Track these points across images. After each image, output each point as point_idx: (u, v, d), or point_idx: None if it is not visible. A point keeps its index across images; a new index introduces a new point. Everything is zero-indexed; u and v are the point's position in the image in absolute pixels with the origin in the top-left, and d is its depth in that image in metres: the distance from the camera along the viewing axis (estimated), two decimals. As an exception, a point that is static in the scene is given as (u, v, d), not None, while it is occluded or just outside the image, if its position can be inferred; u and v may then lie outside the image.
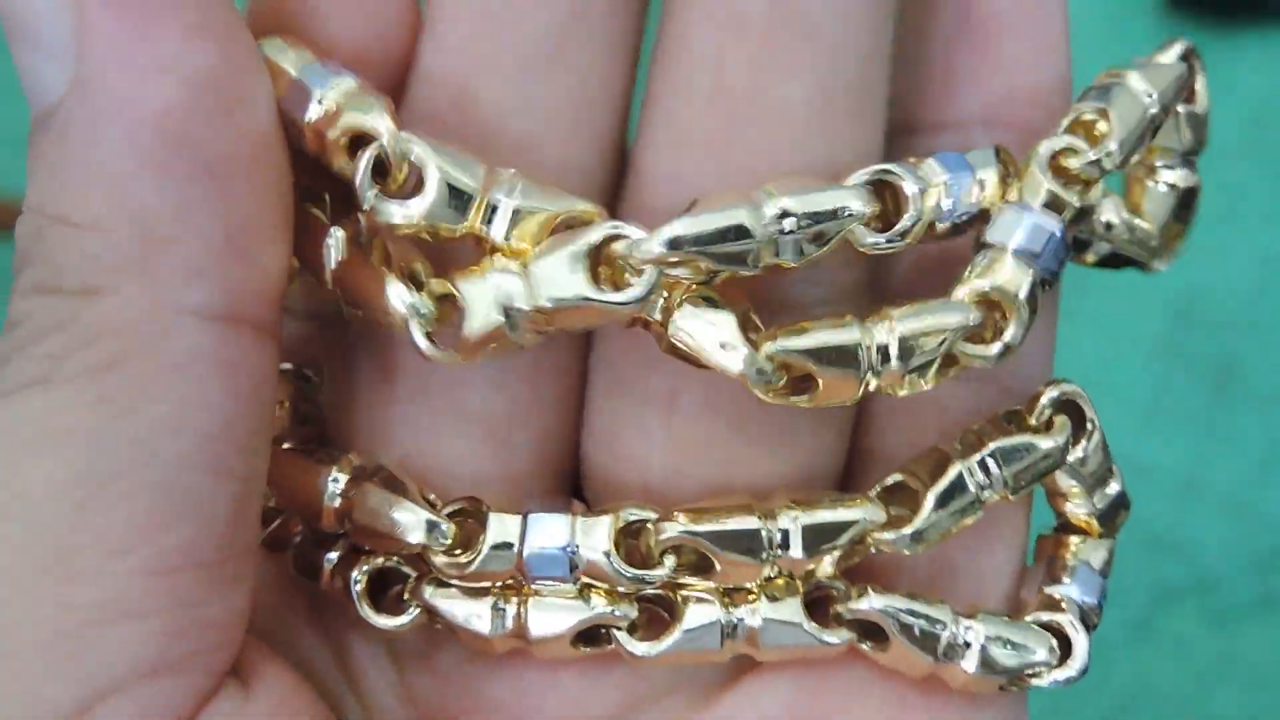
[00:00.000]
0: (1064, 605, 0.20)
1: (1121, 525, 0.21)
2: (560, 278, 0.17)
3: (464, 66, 0.18)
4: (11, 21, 0.16)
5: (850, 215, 0.17)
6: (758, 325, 0.18)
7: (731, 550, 0.18)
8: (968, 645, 0.19)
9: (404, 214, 0.17)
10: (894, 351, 0.18)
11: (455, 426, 0.19)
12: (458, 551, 0.18)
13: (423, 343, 0.17)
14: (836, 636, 0.19)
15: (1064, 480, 0.20)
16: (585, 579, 0.18)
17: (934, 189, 0.18)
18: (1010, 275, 0.18)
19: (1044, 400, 0.19)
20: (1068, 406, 0.20)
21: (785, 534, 0.18)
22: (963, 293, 0.18)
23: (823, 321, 0.18)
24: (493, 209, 0.17)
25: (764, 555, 0.18)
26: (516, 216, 0.17)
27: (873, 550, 0.19)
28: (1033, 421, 0.19)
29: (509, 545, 0.18)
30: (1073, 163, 0.18)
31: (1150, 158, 0.21)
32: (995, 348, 0.18)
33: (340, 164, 0.17)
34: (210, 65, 0.16)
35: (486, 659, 0.19)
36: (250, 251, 0.17)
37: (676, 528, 0.18)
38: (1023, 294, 0.18)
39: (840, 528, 0.18)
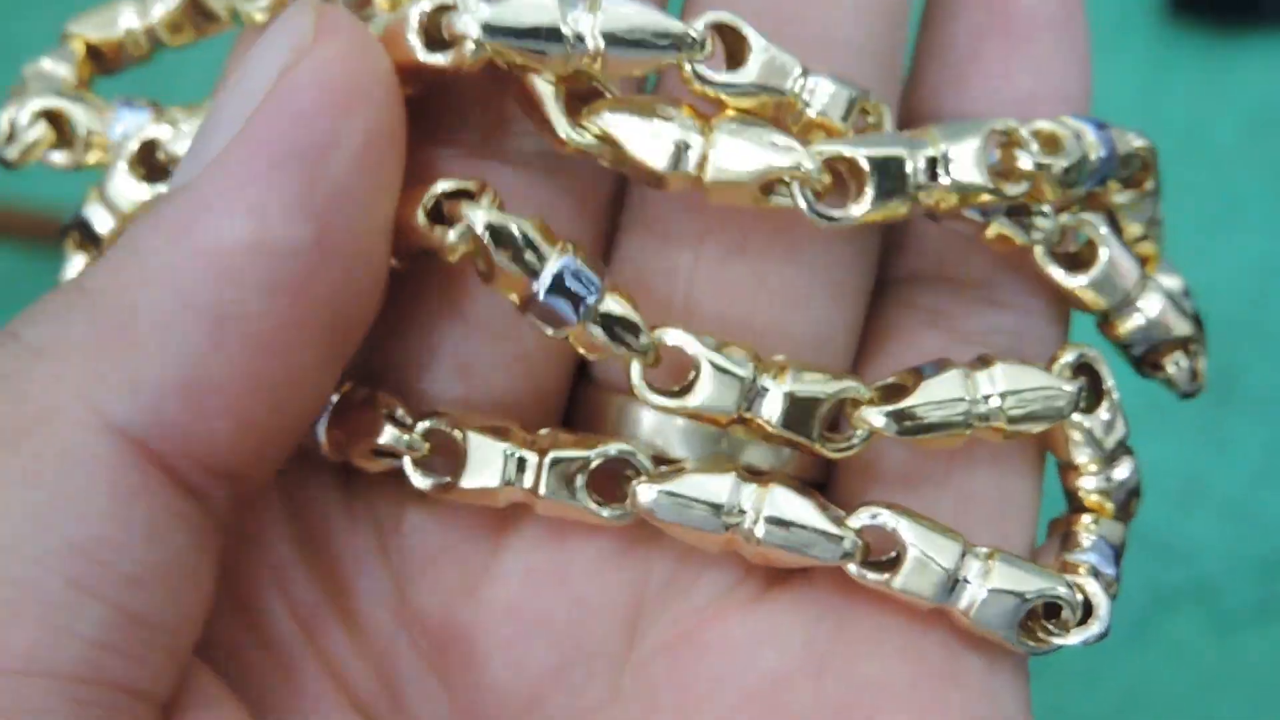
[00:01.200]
0: (1082, 570, 0.19)
1: (1134, 513, 0.20)
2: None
3: None
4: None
5: (668, 41, 0.18)
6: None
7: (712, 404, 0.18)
8: (977, 578, 0.18)
9: None
10: (939, 167, 0.18)
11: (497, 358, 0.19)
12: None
13: None
14: (610, 510, 0.19)
15: (1078, 451, 0.19)
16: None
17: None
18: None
19: (1062, 360, 0.19)
20: (1086, 371, 0.20)
21: (765, 390, 0.18)
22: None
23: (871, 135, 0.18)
24: None
25: (739, 408, 0.18)
26: None
27: (858, 435, 0.19)
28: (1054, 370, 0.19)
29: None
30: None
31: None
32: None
33: None
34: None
35: (490, 568, 0.19)
36: (206, 411, 0.16)
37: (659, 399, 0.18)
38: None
39: (823, 392, 0.18)
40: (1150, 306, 0.20)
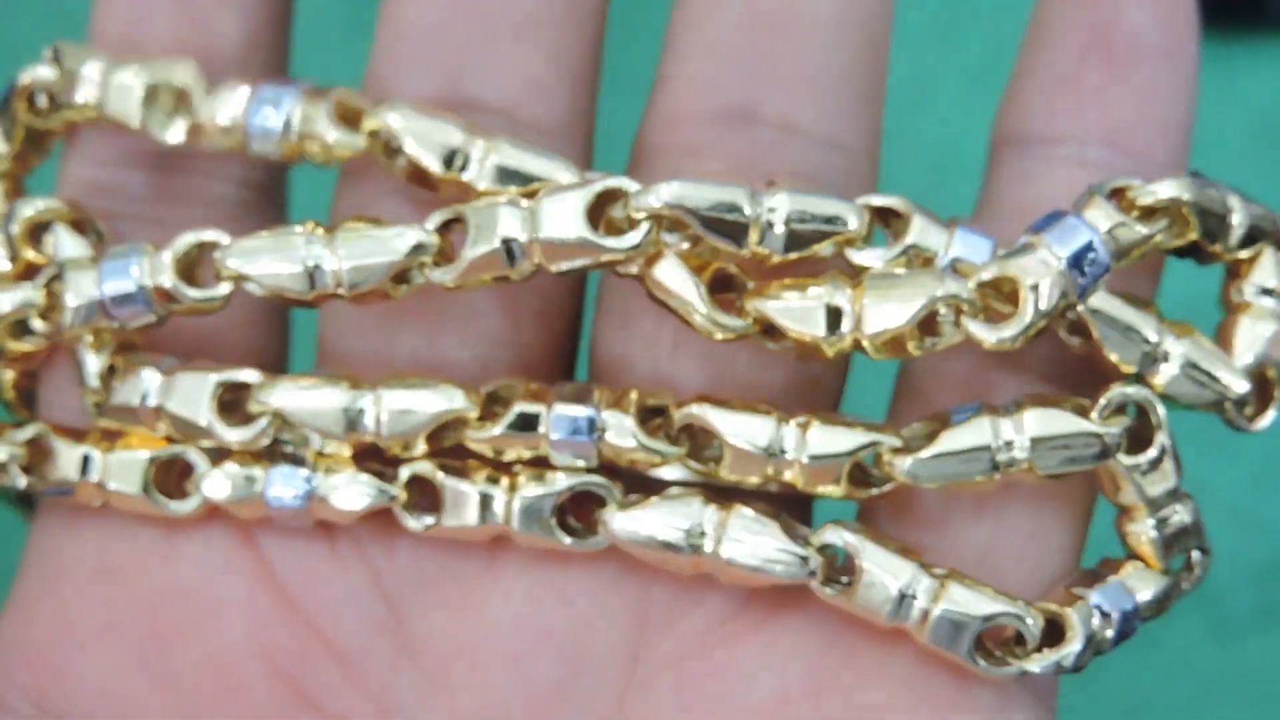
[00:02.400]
0: (1078, 602, 0.19)
1: (1187, 571, 0.20)
2: (562, 217, 0.18)
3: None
4: None
5: (843, 227, 0.18)
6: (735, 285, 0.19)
7: (742, 440, 0.19)
8: (926, 597, 0.19)
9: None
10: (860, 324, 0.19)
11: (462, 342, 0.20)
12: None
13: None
14: (582, 539, 0.19)
15: (1127, 494, 0.19)
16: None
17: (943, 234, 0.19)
18: (1031, 266, 0.18)
19: (1108, 396, 0.19)
20: (1138, 411, 0.19)
21: (797, 437, 0.19)
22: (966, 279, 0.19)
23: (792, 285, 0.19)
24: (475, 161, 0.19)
25: (771, 451, 0.19)
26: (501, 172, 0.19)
27: (885, 481, 0.19)
28: (1093, 414, 0.19)
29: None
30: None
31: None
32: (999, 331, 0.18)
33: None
34: None
35: (490, 585, 0.20)
36: None
37: (696, 409, 0.19)
38: (1041, 282, 0.18)
39: (850, 441, 0.19)
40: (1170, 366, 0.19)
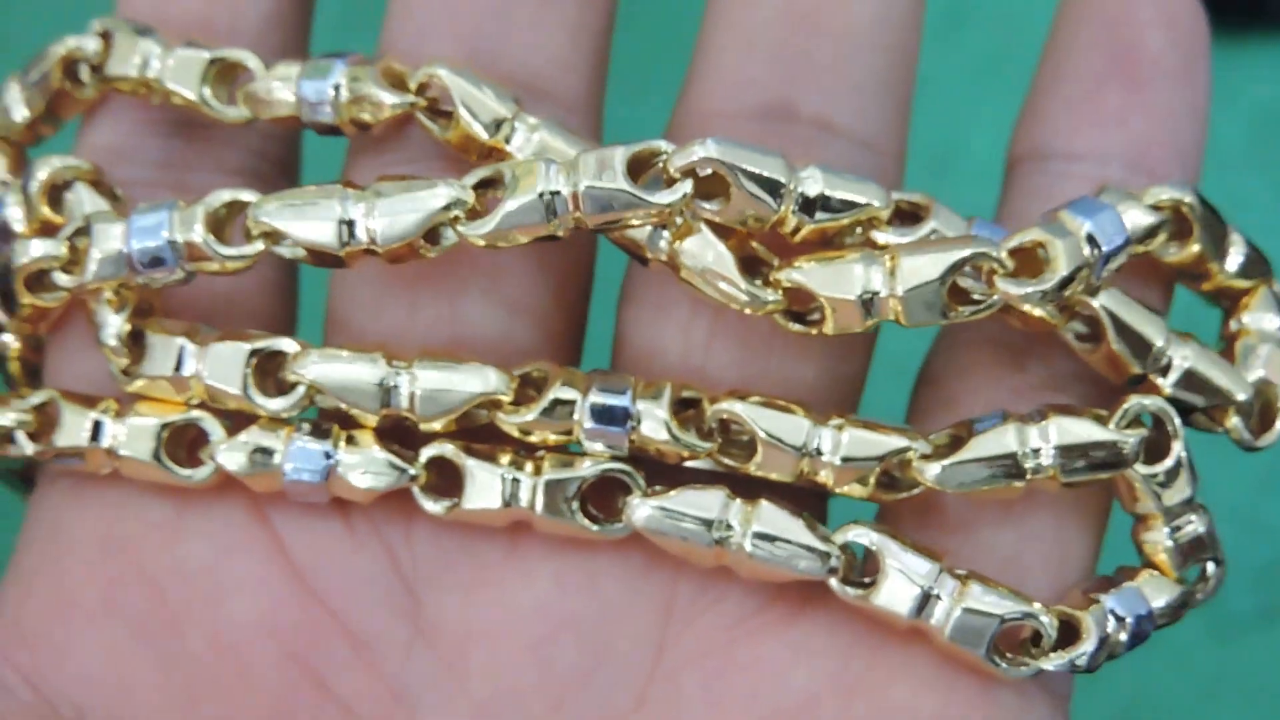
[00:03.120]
0: (1093, 605, 0.19)
1: (1201, 582, 0.20)
2: (603, 171, 0.18)
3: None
4: None
5: (870, 206, 0.19)
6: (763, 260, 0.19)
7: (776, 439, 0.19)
8: (950, 597, 0.19)
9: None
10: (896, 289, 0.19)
11: (492, 310, 0.20)
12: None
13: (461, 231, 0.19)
14: (605, 526, 0.19)
15: (1144, 503, 0.20)
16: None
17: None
18: (1058, 230, 0.19)
19: (1125, 407, 0.19)
20: (1156, 420, 0.20)
21: (833, 438, 0.19)
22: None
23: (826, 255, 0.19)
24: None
25: (805, 451, 0.19)
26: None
27: (910, 484, 0.19)
28: (1111, 424, 0.19)
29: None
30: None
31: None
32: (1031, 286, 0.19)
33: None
34: None
35: (514, 568, 0.20)
36: None
37: (732, 405, 0.19)
38: (1062, 249, 0.19)
39: (881, 446, 0.19)
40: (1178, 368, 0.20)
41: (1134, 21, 0.20)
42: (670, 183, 0.18)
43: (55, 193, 0.20)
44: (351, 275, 0.20)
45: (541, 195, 0.18)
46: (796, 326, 0.19)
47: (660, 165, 0.19)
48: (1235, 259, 0.20)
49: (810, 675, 0.20)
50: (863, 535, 0.19)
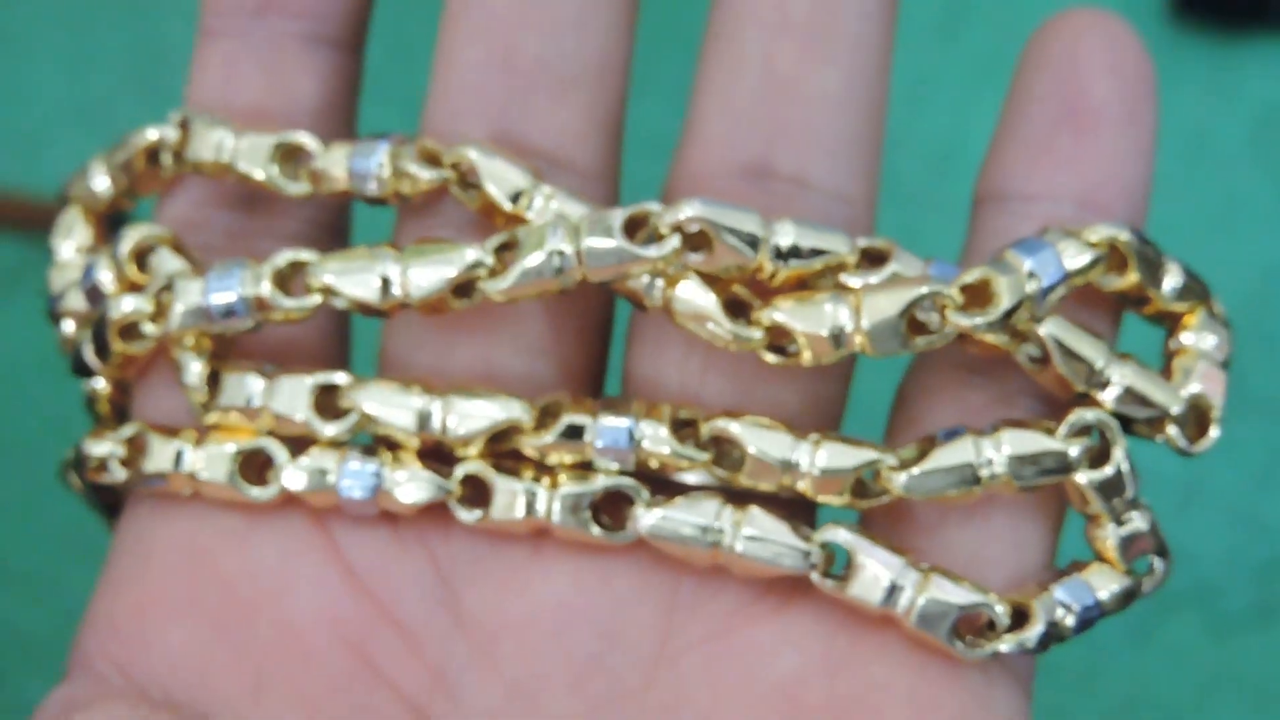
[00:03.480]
0: (1042, 594, 0.22)
1: (1149, 574, 0.23)
2: (603, 232, 0.21)
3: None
4: None
5: (837, 253, 0.21)
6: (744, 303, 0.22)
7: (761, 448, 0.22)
8: (913, 588, 0.21)
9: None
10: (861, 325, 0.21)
11: (515, 351, 0.23)
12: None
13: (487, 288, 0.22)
14: (613, 533, 0.22)
15: (1091, 504, 0.22)
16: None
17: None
18: (1001, 268, 0.21)
19: (1070, 420, 0.22)
20: (1099, 432, 0.22)
21: (810, 452, 0.22)
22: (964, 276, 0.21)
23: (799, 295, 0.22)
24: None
25: (787, 463, 0.22)
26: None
27: (882, 493, 0.22)
28: (1058, 435, 0.22)
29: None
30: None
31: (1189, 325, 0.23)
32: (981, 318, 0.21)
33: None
34: None
35: (537, 567, 0.23)
36: None
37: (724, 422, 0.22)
38: (1005, 285, 0.21)
39: (855, 458, 0.22)
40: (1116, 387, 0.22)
41: (1081, 72, 0.22)
42: (661, 238, 0.21)
43: (140, 257, 0.23)
44: (399, 322, 0.23)
45: (550, 255, 0.21)
46: (775, 359, 0.21)
47: (653, 224, 0.21)
48: (1171, 285, 0.22)
49: (798, 656, 0.22)
50: (839, 535, 0.22)
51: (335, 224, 0.25)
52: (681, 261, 0.21)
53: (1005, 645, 0.22)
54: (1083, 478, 0.22)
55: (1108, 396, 0.22)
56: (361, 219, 0.26)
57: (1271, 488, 0.41)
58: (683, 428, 0.22)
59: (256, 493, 0.22)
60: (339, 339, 0.24)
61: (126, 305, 0.23)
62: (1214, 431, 0.22)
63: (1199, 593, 0.41)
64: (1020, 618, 0.22)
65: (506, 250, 0.22)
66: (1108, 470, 0.22)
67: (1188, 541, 0.41)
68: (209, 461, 0.23)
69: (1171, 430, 0.22)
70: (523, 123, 0.22)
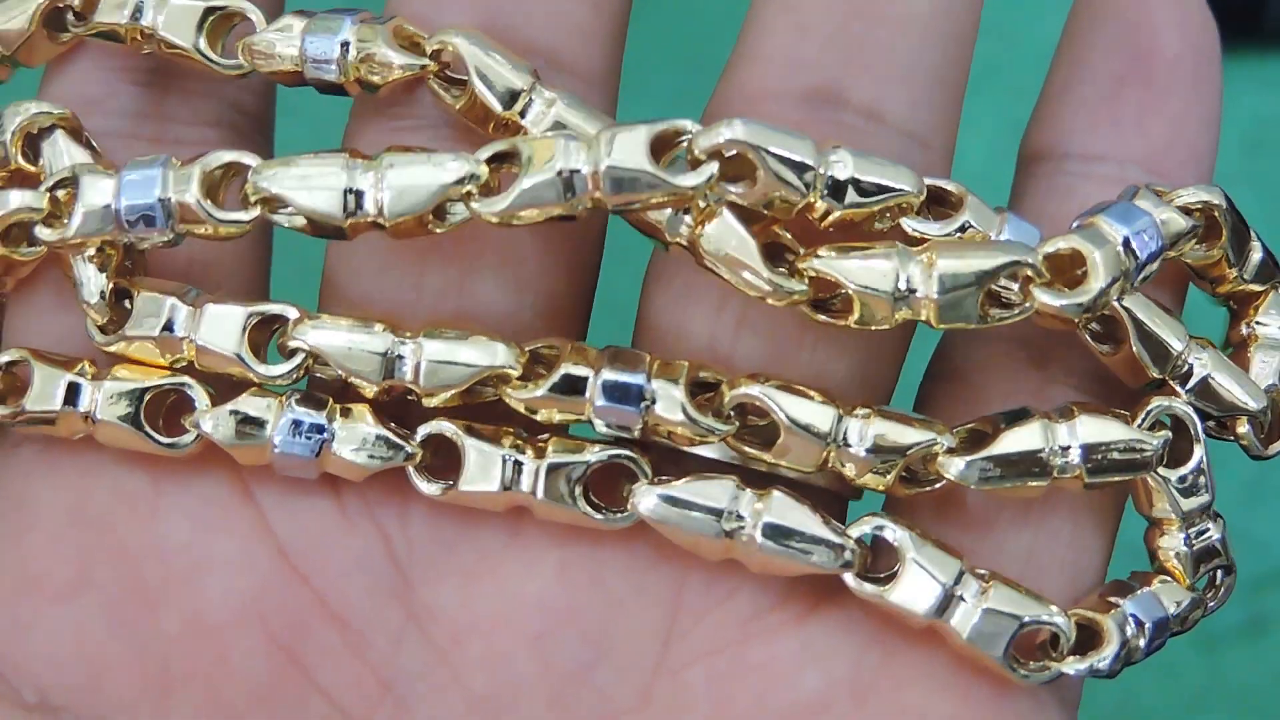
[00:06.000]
0: (1113, 609, 0.19)
1: (1211, 589, 0.20)
2: (627, 150, 0.18)
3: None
4: None
5: (902, 192, 0.18)
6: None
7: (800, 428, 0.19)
8: (973, 597, 0.19)
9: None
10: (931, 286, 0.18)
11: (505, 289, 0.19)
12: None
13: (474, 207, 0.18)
14: (608, 514, 0.19)
15: (1160, 507, 0.20)
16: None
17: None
18: (1095, 239, 0.18)
19: (1149, 408, 0.19)
20: (1176, 424, 0.20)
21: (860, 428, 0.19)
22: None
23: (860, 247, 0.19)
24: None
25: (831, 439, 0.19)
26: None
27: (931, 478, 0.19)
28: (1135, 424, 0.19)
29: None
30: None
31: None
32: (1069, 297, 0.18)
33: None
34: None
35: (516, 557, 0.19)
36: None
37: (755, 388, 0.19)
38: (1100, 260, 0.18)
39: (908, 438, 0.19)
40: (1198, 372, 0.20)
41: (1151, 24, 0.20)
42: (695, 164, 0.18)
43: (30, 141, 0.20)
44: (352, 245, 0.19)
45: (560, 173, 0.18)
46: (822, 317, 0.19)
47: (684, 145, 0.18)
48: (1255, 257, 0.20)
49: (822, 677, 0.19)
50: (884, 528, 0.19)
51: (261, 111, 0.21)
52: (718, 193, 0.18)
53: (1073, 667, 0.19)
54: (1159, 476, 0.19)
55: (1185, 387, 0.19)
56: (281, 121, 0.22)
57: (1260, 502, 0.41)
58: (701, 391, 0.19)
59: (168, 441, 0.19)
60: (259, 264, 0.21)
61: (13, 201, 0.19)
62: None
63: (1187, 604, 0.41)
64: (1086, 636, 0.19)
65: (502, 163, 0.18)
66: (1188, 469, 0.19)
67: (1175, 553, 0.41)
68: (109, 400, 0.19)
69: (1245, 429, 0.20)
70: (517, 8, 0.19)
